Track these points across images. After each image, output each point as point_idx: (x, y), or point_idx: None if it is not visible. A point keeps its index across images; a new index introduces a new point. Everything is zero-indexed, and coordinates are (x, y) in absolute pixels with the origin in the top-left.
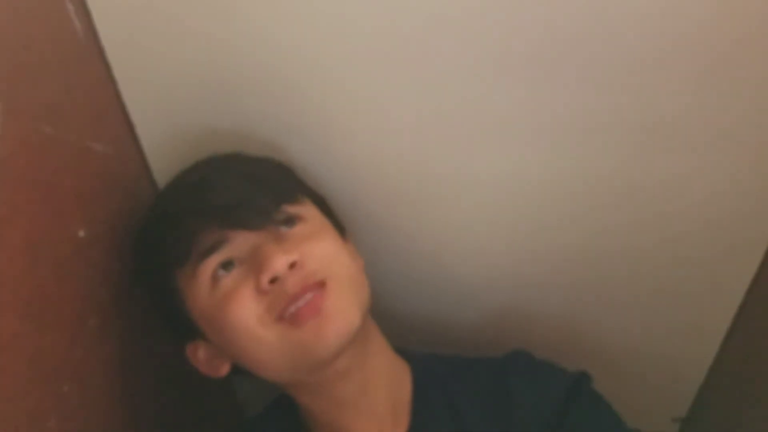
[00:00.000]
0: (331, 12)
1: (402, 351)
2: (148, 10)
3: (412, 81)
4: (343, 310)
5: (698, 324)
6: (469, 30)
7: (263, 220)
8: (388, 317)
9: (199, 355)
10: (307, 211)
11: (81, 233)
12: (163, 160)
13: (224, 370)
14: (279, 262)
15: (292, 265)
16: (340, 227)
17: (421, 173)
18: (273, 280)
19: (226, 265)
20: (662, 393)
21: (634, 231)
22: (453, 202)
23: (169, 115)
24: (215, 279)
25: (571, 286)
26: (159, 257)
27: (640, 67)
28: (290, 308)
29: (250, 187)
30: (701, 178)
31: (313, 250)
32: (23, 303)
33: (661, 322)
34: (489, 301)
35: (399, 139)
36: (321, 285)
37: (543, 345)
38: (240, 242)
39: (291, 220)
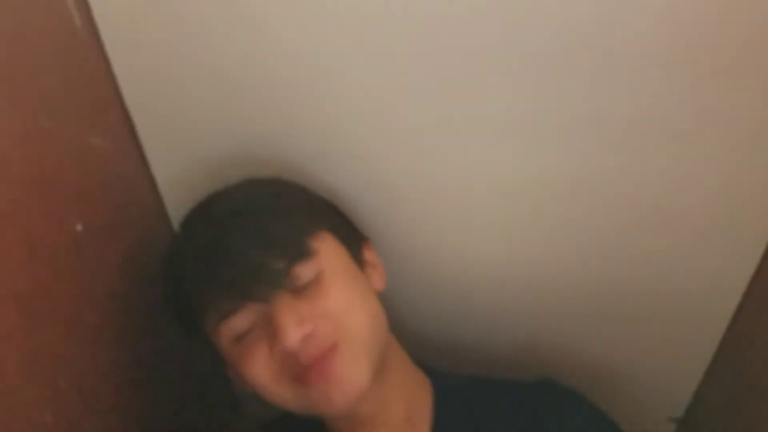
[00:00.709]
0: (332, 15)
1: (422, 365)
2: (147, 5)
3: (414, 84)
4: (352, 373)
5: (696, 324)
6: (472, 32)
7: (275, 289)
8: (405, 331)
9: (235, 377)
10: (323, 256)
11: (78, 227)
12: (161, 154)
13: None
14: (293, 337)
15: (306, 337)
16: (359, 242)
17: (425, 178)
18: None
19: (248, 331)
20: (659, 393)
21: (634, 231)
22: (456, 205)
23: (167, 110)
24: (237, 338)
25: (570, 283)
26: (182, 312)
27: (642, 69)
28: (303, 370)
29: (261, 251)
30: (701, 179)
31: (327, 305)
32: (20, 297)
33: (658, 322)
34: (486, 301)
35: (411, 149)
36: (332, 348)
37: (539, 341)
38: (256, 308)
39: (308, 285)
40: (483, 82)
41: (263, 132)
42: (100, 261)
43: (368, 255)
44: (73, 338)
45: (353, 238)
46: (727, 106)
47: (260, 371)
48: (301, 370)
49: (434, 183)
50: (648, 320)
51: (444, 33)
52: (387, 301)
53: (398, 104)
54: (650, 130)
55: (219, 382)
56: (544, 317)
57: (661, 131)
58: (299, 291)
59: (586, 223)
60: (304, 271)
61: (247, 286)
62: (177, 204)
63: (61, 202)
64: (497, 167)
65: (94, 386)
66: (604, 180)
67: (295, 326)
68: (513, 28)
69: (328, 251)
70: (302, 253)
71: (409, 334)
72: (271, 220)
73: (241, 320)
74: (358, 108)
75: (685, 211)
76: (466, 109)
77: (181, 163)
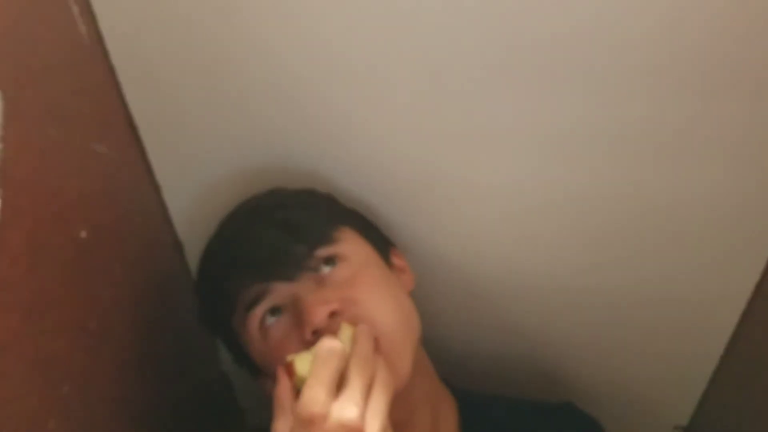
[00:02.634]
0: (331, 23)
1: (448, 384)
2: (152, 14)
3: (418, 92)
4: (397, 361)
5: (700, 334)
6: (477, 41)
7: (299, 270)
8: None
9: (268, 389)
10: (348, 245)
11: (83, 235)
12: (166, 162)
13: None
14: (318, 316)
15: (332, 314)
16: (386, 245)
17: (439, 186)
18: (315, 332)
19: (274, 311)
20: (664, 402)
21: (638, 240)
22: (467, 208)
23: (172, 118)
24: (264, 328)
25: (576, 293)
26: (211, 310)
27: (646, 80)
28: None
29: (285, 235)
30: (704, 192)
31: (353, 296)
32: (25, 304)
33: (663, 332)
34: (491, 311)
35: (427, 158)
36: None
37: (545, 351)
38: (282, 290)
39: (330, 261)
40: (488, 94)
41: (268, 141)
42: (104, 268)
43: (396, 260)
44: (77, 345)
45: (380, 240)
46: (732, 121)
47: None
48: None
49: (447, 191)
50: (653, 330)
51: (450, 43)
52: None
53: (417, 115)
54: (656, 143)
55: (223, 389)
56: (551, 327)
57: (667, 144)
58: (324, 278)
59: (591, 233)
60: (328, 253)
61: (271, 268)
62: (181, 211)
63: (66, 210)
64: (500, 178)
65: (98, 393)
66: (610, 191)
67: (322, 304)
68: (518, 40)
69: (352, 242)
70: (324, 238)
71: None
72: (295, 211)
73: (268, 306)
74: (368, 118)
75: (689, 223)
76: (489, 120)
77: (185, 170)
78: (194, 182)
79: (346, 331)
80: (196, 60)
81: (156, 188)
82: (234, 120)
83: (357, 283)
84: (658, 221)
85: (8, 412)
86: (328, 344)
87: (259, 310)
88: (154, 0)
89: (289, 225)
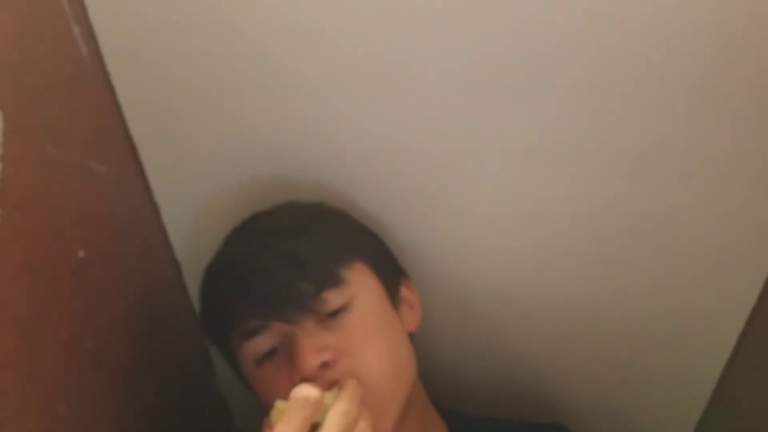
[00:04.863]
0: (329, 35)
1: (437, 405)
2: (152, 35)
3: (421, 109)
4: (377, 419)
5: (695, 361)
6: (476, 57)
7: (302, 312)
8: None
9: (256, 396)
10: (356, 287)
11: (80, 254)
12: (164, 181)
13: None
14: (310, 365)
15: (325, 365)
16: (396, 278)
17: (444, 206)
18: (304, 379)
19: (269, 354)
20: (658, 423)
21: (633, 258)
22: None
23: (171, 137)
24: (259, 361)
25: (575, 309)
26: (210, 326)
27: (650, 104)
28: None
29: (292, 270)
30: (699, 210)
31: (351, 342)
32: (21, 323)
33: (658, 353)
34: (491, 335)
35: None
36: None
37: (541, 375)
38: (280, 329)
39: (335, 312)
40: (483, 110)
41: (268, 161)
42: (102, 287)
43: (405, 292)
44: (73, 364)
45: (391, 272)
46: (730, 142)
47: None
48: None
49: (436, 208)
50: (647, 351)
51: (447, 58)
52: None
53: (410, 129)
54: (653, 157)
55: (219, 409)
56: (541, 345)
57: (667, 165)
58: (325, 319)
59: (592, 255)
60: (333, 299)
61: (273, 306)
62: (179, 231)
63: (64, 228)
64: (494, 194)
65: (92, 413)
66: (602, 209)
67: (315, 352)
68: (513, 58)
69: (361, 283)
70: (333, 280)
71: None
72: (304, 241)
73: (264, 341)
74: (369, 128)
75: (687, 239)
76: (472, 138)
77: (183, 189)
78: (192, 202)
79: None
80: (196, 80)
81: (154, 207)
82: (233, 141)
83: (356, 331)
84: (653, 240)
85: (3, 430)
86: (305, 391)
87: (257, 342)
88: (154, 21)
89: (297, 258)
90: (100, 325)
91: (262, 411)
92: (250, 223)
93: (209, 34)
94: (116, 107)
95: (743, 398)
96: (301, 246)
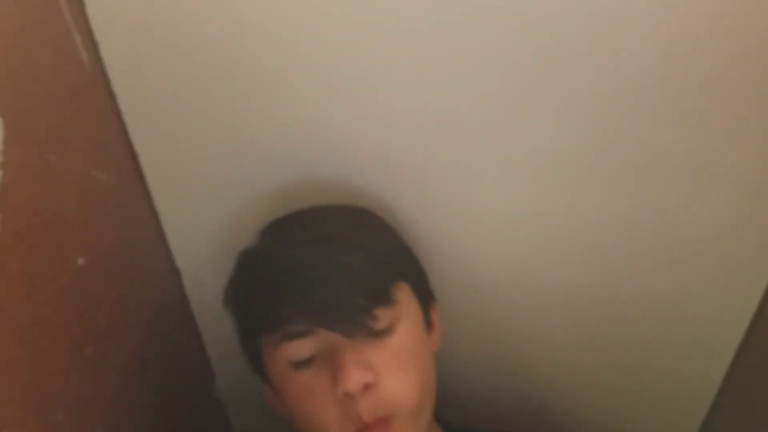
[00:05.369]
0: (329, 49)
1: (439, 419)
2: (154, 42)
3: (424, 120)
4: None
5: (695, 370)
6: (479, 66)
7: (353, 327)
8: None
9: (268, 395)
10: (403, 308)
11: (81, 261)
12: (165, 189)
13: (281, 413)
14: (355, 383)
15: (367, 386)
16: (429, 301)
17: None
18: (348, 395)
19: (307, 360)
20: (669, 419)
21: (636, 264)
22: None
23: (171, 145)
24: (295, 364)
25: (577, 315)
26: (247, 323)
27: (644, 107)
28: (363, 426)
29: (346, 284)
30: (701, 216)
31: (392, 377)
32: (20, 330)
33: (665, 353)
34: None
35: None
36: (387, 420)
37: (541, 387)
38: (326, 337)
39: (386, 331)
40: (482, 122)
41: (269, 169)
42: (102, 294)
43: (434, 317)
44: (73, 372)
45: (426, 296)
46: (732, 149)
47: (322, 411)
48: (361, 424)
49: (454, 217)
50: (646, 369)
51: (447, 69)
52: None
53: (412, 142)
54: (659, 170)
55: (218, 417)
56: (548, 357)
57: (669, 171)
58: (371, 337)
59: (595, 261)
60: (383, 317)
61: (325, 313)
62: (179, 238)
63: (64, 236)
64: (501, 204)
65: (92, 420)
66: (604, 219)
67: (359, 370)
68: (513, 69)
69: (407, 305)
70: (384, 298)
71: None
72: (357, 255)
73: (305, 346)
74: (370, 135)
75: (689, 251)
76: (472, 148)
77: (184, 198)
78: (193, 209)
79: None
80: (196, 88)
81: (155, 215)
82: (234, 149)
83: (399, 353)
84: (658, 242)
85: None
86: None
87: (299, 345)
88: (155, 29)
89: (351, 272)
90: (100, 332)
91: (264, 415)
92: (293, 227)
93: (210, 42)
94: (117, 115)
95: (746, 403)
96: (352, 258)
